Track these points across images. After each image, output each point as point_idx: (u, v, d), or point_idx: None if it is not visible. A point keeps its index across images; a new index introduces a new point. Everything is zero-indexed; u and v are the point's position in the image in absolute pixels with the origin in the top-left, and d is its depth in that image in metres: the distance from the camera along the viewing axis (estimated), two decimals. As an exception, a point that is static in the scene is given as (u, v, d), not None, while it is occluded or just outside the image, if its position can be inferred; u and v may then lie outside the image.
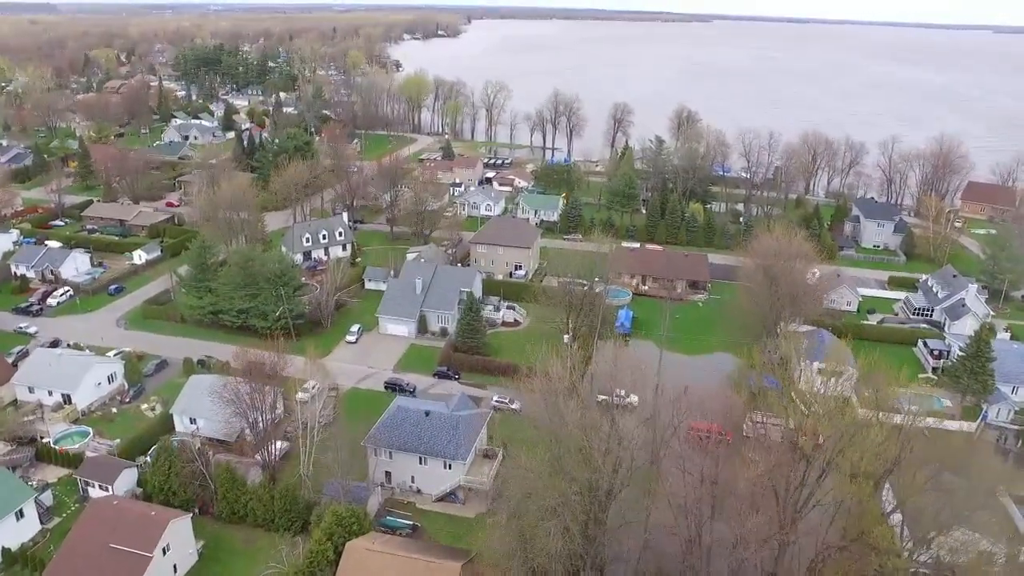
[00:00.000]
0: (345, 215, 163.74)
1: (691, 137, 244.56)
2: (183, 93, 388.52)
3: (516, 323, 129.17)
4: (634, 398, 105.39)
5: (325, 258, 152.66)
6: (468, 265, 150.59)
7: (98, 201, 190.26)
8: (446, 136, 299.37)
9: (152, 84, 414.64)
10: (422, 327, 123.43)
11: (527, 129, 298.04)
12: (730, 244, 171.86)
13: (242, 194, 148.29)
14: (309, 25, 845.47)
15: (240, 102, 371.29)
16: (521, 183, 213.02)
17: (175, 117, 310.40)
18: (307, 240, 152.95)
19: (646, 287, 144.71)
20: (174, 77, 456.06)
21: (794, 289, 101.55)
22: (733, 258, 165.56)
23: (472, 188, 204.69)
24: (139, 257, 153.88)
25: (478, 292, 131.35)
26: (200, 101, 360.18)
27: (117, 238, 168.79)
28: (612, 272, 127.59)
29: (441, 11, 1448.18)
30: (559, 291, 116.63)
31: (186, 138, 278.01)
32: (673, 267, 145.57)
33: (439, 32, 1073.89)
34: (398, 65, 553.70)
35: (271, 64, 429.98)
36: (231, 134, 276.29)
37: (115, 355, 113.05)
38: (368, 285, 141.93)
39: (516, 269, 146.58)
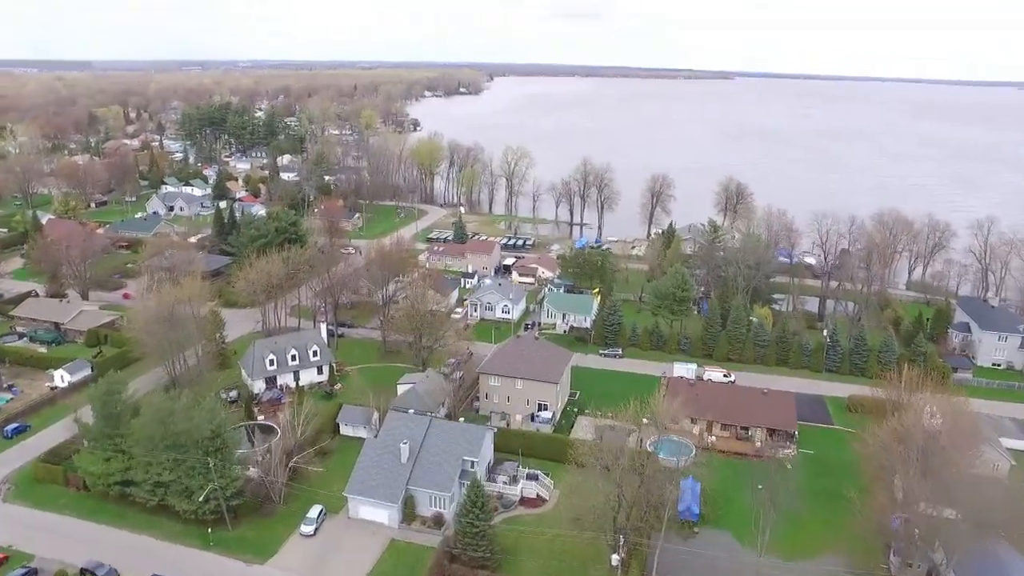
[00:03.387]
0: (323, 327, 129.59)
1: (743, 214, 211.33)
2: (180, 155, 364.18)
3: (540, 500, 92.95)
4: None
5: (292, 386, 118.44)
6: (478, 400, 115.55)
7: (35, 295, 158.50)
8: (461, 208, 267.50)
9: (154, 144, 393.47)
10: (408, 512, 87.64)
11: (551, 201, 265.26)
12: (810, 363, 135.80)
13: (187, 301, 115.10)
14: (330, 82, 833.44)
15: (243, 165, 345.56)
16: (545, 273, 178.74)
17: (165, 184, 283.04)
18: (271, 362, 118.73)
19: (712, 437, 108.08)
20: (180, 137, 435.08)
21: (974, 506, 64.73)
22: (816, 383, 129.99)
23: (487, 280, 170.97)
24: (60, 379, 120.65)
25: (488, 454, 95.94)
26: (197, 164, 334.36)
27: (46, 347, 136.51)
28: (667, 418, 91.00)
29: (464, 67, 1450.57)
30: (599, 459, 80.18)
31: (171, 208, 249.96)
32: (750, 410, 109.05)
33: (460, 89, 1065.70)
34: (416, 124, 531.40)
35: (279, 124, 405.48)
36: (224, 203, 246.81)
37: (-37, 560, 78.97)
38: (344, 430, 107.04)
39: (540, 410, 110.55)
